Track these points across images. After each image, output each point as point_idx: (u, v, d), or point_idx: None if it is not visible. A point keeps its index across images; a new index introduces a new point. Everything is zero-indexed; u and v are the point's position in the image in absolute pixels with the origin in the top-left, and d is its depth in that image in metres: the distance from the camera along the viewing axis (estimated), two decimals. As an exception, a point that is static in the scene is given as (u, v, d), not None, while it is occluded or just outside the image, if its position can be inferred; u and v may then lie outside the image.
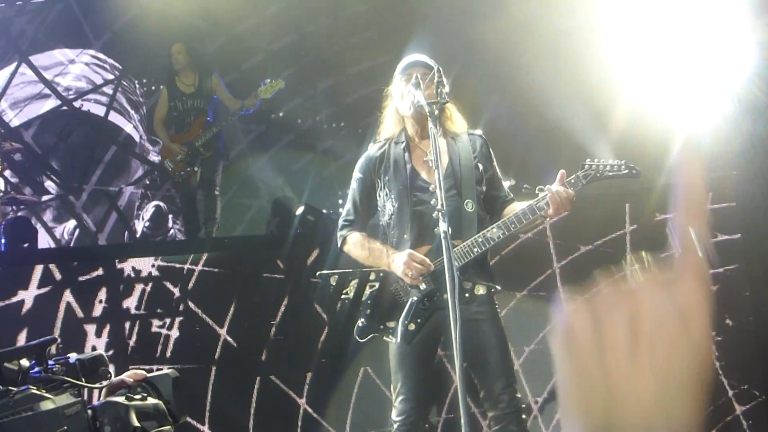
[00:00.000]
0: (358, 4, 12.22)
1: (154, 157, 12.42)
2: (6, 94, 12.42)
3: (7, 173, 11.31)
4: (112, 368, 2.87)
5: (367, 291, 5.14)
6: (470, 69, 9.69)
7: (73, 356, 2.76)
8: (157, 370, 2.92)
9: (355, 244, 5.25)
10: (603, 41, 9.45)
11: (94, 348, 8.20)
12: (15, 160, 11.97)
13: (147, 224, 11.55)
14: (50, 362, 2.74)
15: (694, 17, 9.01)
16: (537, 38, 9.87)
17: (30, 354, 2.72)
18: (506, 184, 5.38)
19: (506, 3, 9.94)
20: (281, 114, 12.30)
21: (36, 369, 2.69)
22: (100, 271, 8.48)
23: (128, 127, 12.76)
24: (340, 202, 11.70)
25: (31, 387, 2.56)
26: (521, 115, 10.05)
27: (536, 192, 5.06)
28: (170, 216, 11.66)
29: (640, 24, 9.40)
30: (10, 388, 2.53)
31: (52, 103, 12.67)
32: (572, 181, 4.98)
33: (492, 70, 10.15)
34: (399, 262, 4.95)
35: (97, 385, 2.76)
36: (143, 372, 2.86)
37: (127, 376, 2.84)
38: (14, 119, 12.54)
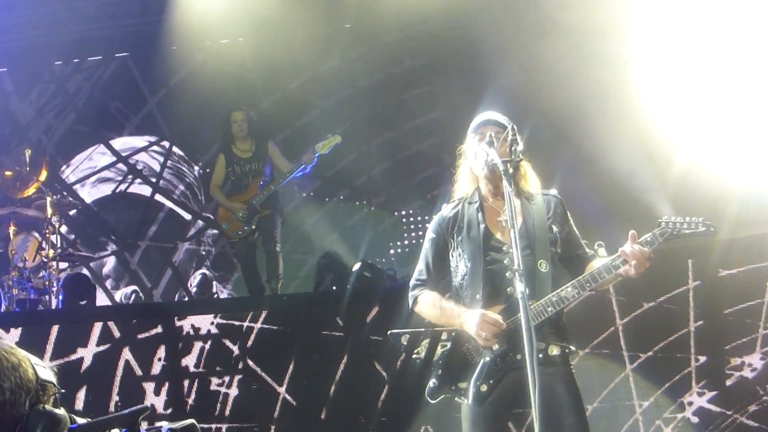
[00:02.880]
0: (411, 60, 12.27)
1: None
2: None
3: (64, 229, 11.39)
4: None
5: (439, 351, 5.06)
6: (540, 129, 9.69)
7: (164, 426, 2.72)
8: (216, 429, 2.88)
9: (427, 304, 5.18)
10: (661, 101, 9.43)
11: (152, 406, 8.18)
12: (71, 216, 12.06)
13: (194, 290, 11.61)
14: (142, 431, 2.70)
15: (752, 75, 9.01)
16: (603, 100, 9.84)
17: (123, 423, 2.68)
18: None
19: (576, 68, 9.93)
20: (336, 169, 12.32)
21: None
22: (159, 329, 8.47)
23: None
24: (392, 254, 11.69)
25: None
26: (585, 172, 10.00)
27: (595, 248, 4.98)
28: (215, 282, 11.70)
29: (697, 84, 9.39)
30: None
31: (107, 159, 12.85)
32: (649, 239, 4.90)
33: (561, 132, 10.14)
34: (472, 322, 4.87)
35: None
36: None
37: None
38: (71, 176, 12.68)
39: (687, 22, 9.59)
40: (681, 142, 9.61)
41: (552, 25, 10.15)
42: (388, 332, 5.27)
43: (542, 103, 10.15)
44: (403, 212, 12.57)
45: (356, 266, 9.75)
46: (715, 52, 9.37)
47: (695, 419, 8.59)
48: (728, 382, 8.74)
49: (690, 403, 8.63)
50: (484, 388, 4.91)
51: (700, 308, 8.70)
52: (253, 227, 10.34)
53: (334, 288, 10.08)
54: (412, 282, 5.30)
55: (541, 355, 4.82)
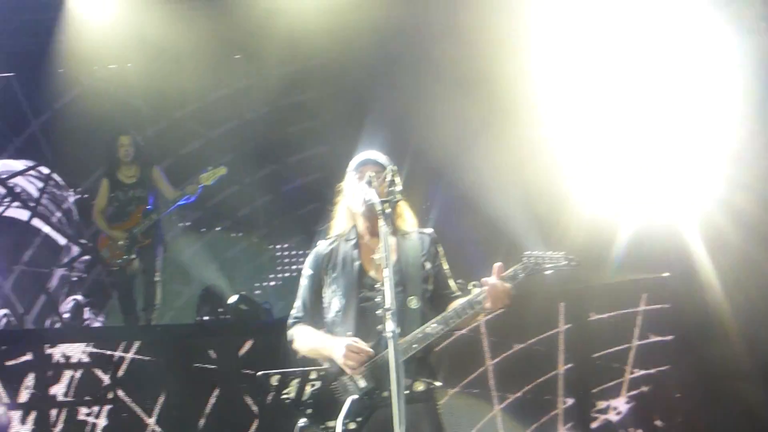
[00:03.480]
0: (299, 93, 12.31)
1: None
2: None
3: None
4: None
5: (308, 390, 5.06)
6: (419, 167, 9.81)
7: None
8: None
9: (299, 336, 5.20)
10: (545, 143, 9.65)
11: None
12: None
13: (66, 316, 11.37)
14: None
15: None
16: (486, 140, 10.02)
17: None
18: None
19: (459, 107, 10.09)
20: (218, 200, 12.25)
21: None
22: (29, 356, 8.29)
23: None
24: (269, 287, 11.66)
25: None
26: (462, 211, 10.15)
27: (468, 288, 5.04)
28: (87, 309, 11.48)
29: (582, 131, 9.64)
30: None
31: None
32: (511, 274, 4.96)
33: (441, 170, 10.28)
34: (339, 350, 4.91)
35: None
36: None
37: None
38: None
39: (572, 63, 9.80)
40: (563, 186, 9.82)
41: (436, 65, 10.32)
42: (257, 374, 5.27)
43: (424, 142, 10.29)
44: (283, 246, 12.57)
45: (232, 299, 9.70)
46: (599, 97, 9.60)
47: (561, 461, 8.78)
48: (593, 425, 8.95)
49: (556, 445, 8.82)
50: (352, 426, 4.92)
51: (569, 351, 8.90)
52: (133, 256, 10.20)
53: (206, 319, 9.99)
54: (290, 320, 5.32)
55: (407, 392, 4.86)
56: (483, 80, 9.90)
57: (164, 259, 10.54)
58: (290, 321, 5.31)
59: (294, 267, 12.42)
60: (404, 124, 10.53)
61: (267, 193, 12.43)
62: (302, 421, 5.04)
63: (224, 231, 12.54)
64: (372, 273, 5.10)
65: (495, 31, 9.77)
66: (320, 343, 5.09)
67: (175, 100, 12.19)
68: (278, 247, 12.62)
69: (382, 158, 5.24)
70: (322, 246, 5.32)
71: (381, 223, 4.64)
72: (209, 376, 8.30)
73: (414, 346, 4.90)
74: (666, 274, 9.20)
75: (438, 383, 5.09)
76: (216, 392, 8.25)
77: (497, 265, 4.94)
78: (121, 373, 8.30)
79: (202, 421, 8.17)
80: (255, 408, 8.16)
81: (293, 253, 12.52)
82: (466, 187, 9.97)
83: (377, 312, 4.92)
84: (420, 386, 4.99)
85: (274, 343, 7.49)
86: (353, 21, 10.55)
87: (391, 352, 4.35)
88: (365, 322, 5.02)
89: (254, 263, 12.25)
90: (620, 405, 8.99)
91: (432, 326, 4.94)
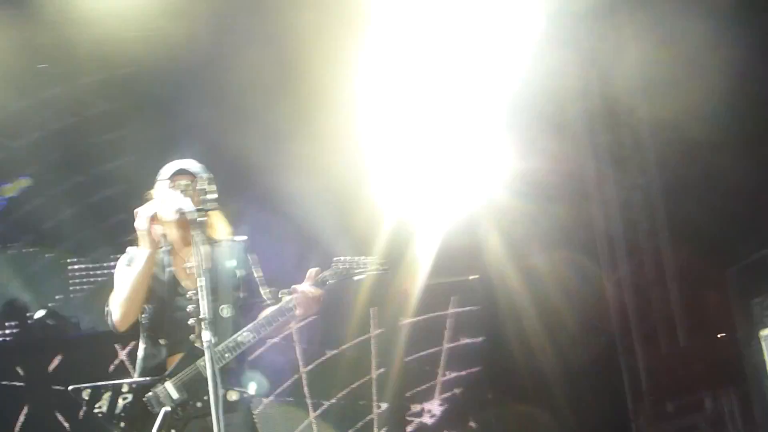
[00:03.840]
0: (106, 103, 12.04)
1: None
2: None
3: None
4: None
5: (120, 403, 4.98)
6: (232, 175, 9.74)
7: None
8: None
9: (112, 297, 5.08)
10: (354, 149, 9.76)
11: None
12: None
13: None
14: None
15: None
16: (295, 146, 10.05)
17: None
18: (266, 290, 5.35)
19: (268, 112, 10.08)
20: (21, 213, 11.84)
21: None
22: None
23: None
24: (80, 298, 11.38)
25: None
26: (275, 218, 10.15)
27: (279, 296, 5.08)
28: None
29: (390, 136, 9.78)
30: None
31: None
32: (321, 280, 5.04)
33: (253, 178, 10.26)
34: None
35: None
36: None
37: None
38: None
39: (383, 68, 9.93)
40: (373, 192, 9.93)
41: (247, 71, 10.28)
42: (69, 388, 5.14)
43: (237, 149, 10.23)
44: (89, 257, 12.26)
45: (39, 313, 9.43)
46: (407, 103, 9.75)
47: (376, 466, 8.91)
48: (408, 429, 9.12)
49: (371, 450, 8.94)
50: (166, 438, 4.89)
51: (382, 356, 9.05)
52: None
53: (9, 337, 9.65)
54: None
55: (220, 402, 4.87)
56: (293, 86, 9.94)
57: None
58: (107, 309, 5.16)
59: (101, 279, 12.14)
60: (215, 132, 10.46)
61: (72, 205, 12.10)
62: (116, 436, 4.97)
63: (28, 244, 12.13)
64: (184, 282, 5.09)
65: (307, 35, 9.82)
66: (131, 269, 5.01)
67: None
68: (84, 258, 12.30)
69: (195, 166, 5.21)
70: (134, 251, 5.22)
71: (195, 232, 4.63)
72: (17, 393, 8.05)
73: (226, 355, 4.90)
74: (474, 277, 9.46)
75: (251, 392, 5.11)
76: (25, 410, 8.00)
77: (311, 271, 5.01)
78: None
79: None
80: (66, 424, 7.96)
81: (100, 264, 12.23)
82: (280, 194, 9.98)
83: (189, 321, 4.91)
84: (233, 396, 4.99)
85: (85, 357, 7.34)
86: (162, 29, 10.40)
87: (208, 363, 4.35)
88: (176, 330, 4.99)
89: (60, 276, 11.89)
90: (434, 408, 9.19)
91: (244, 335, 4.95)
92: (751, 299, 7.87)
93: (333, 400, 8.92)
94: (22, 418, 7.99)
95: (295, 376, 8.83)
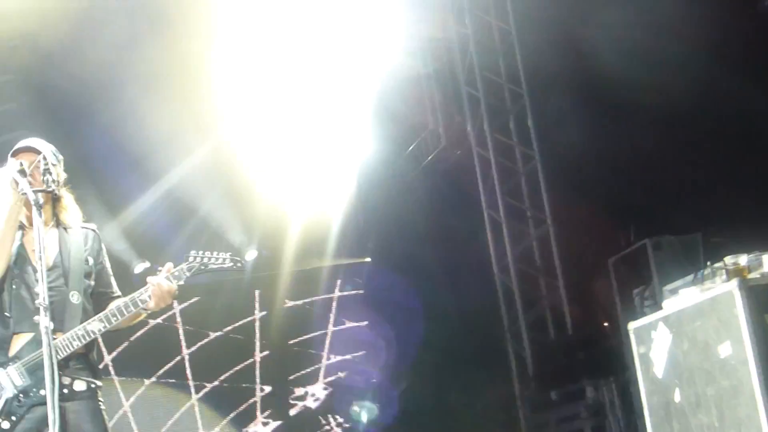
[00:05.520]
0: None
1: None
2: None
3: None
4: None
5: (-37, 389, 4.81)
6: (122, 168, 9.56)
7: None
8: None
9: None
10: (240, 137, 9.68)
11: None
12: None
13: None
14: None
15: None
16: (186, 136, 9.89)
17: None
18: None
19: (162, 104, 9.88)
20: None
21: None
22: None
23: None
24: None
25: None
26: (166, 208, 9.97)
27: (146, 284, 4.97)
28: None
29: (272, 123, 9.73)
30: None
31: None
32: (176, 273, 4.94)
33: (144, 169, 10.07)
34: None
35: None
36: None
37: None
38: None
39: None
40: (259, 182, 9.84)
41: (134, 67, 10.08)
42: None
43: (128, 142, 10.01)
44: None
45: None
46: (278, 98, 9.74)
47: (259, 449, 8.84)
48: (292, 412, 9.07)
49: (254, 433, 8.88)
50: (6, 425, 4.73)
51: (265, 338, 8.97)
52: None
53: None
54: None
55: (66, 390, 4.73)
56: (179, 81, 9.78)
57: None
58: None
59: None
60: (105, 115, 10.22)
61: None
62: (-45, 421, 4.80)
63: None
64: (32, 261, 4.92)
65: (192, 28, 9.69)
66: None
67: None
68: None
69: (40, 144, 5.01)
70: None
71: (34, 214, 4.45)
72: None
73: (75, 343, 4.76)
74: (366, 260, 9.43)
75: (98, 382, 4.97)
76: None
77: (167, 264, 4.91)
78: None
79: None
80: None
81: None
82: (172, 185, 9.80)
83: (35, 303, 4.74)
84: (81, 385, 4.85)
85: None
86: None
87: (45, 349, 4.20)
88: (21, 310, 4.83)
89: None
90: (318, 391, 9.15)
91: (93, 324, 4.82)
92: (632, 289, 7.93)
93: (216, 383, 8.82)
94: None
95: (178, 358, 8.68)
